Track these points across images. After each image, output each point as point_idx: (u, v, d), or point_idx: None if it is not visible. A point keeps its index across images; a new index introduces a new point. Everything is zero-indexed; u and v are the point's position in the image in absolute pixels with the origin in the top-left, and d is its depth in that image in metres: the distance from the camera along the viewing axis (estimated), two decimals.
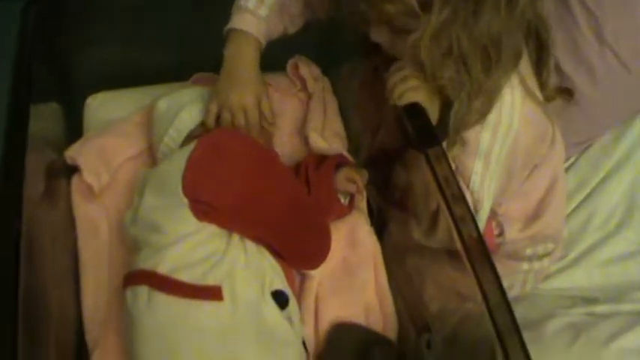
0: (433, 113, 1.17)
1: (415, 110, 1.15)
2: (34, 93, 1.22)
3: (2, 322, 0.92)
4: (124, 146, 1.38)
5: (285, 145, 1.41)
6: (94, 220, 1.31)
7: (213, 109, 1.22)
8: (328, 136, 1.40)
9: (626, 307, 1.39)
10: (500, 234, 1.32)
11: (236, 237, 1.12)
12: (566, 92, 1.35)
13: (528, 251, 1.36)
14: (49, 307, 1.13)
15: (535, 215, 1.34)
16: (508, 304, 0.96)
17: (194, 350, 1.04)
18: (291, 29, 1.32)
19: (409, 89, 1.16)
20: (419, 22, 1.06)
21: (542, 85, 1.26)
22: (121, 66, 1.53)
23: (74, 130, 1.48)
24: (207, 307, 1.06)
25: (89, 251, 1.29)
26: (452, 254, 1.05)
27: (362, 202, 1.35)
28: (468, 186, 1.22)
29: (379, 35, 1.17)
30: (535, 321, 1.34)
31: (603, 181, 1.54)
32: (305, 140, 1.40)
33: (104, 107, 1.51)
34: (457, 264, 1.04)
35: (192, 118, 1.26)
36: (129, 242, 1.19)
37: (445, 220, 1.06)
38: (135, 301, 1.08)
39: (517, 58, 1.16)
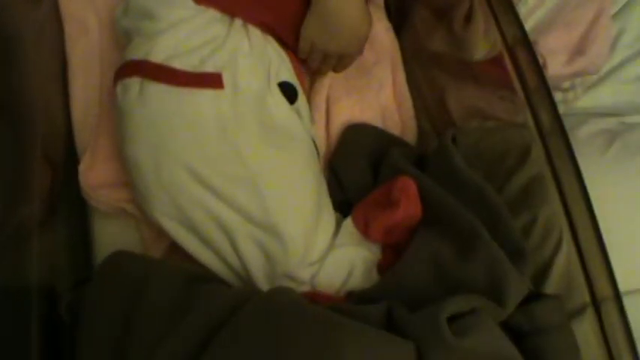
0: None
1: None
2: None
3: None
4: None
5: None
6: (83, 19, 1.19)
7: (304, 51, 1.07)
8: None
9: None
10: (543, 67, 1.21)
11: (238, 22, 1.00)
12: None
13: (566, 84, 1.29)
14: (33, 110, 1.04)
15: (579, 50, 1.25)
16: (553, 102, 0.90)
17: (190, 142, 0.94)
18: None
19: None
20: None
21: None
22: None
23: None
24: (205, 95, 0.94)
25: (78, 52, 1.18)
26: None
27: None
28: None
29: None
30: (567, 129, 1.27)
31: None
32: None
33: None
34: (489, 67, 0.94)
35: None
36: (121, 39, 1.08)
37: (479, 12, 0.94)
38: (125, 95, 0.98)
39: None
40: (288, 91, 1.01)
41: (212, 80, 0.95)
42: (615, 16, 1.40)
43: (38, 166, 1.02)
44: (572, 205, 0.87)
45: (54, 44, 1.19)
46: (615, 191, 1.12)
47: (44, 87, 1.11)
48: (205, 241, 0.96)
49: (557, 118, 0.92)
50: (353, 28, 1.05)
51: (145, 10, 1.00)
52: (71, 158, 1.13)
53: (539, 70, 0.92)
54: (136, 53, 0.98)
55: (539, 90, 0.92)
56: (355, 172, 1.07)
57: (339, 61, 1.09)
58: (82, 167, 1.08)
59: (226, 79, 0.95)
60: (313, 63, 1.09)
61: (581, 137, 1.23)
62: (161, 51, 0.96)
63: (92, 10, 1.20)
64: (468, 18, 1.01)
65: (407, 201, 0.93)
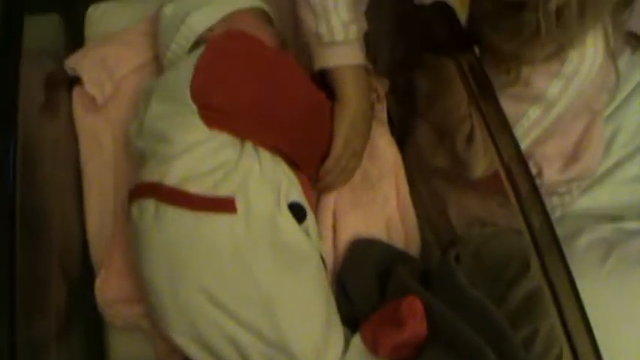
0: (462, 13, 1.08)
1: (443, 10, 1.06)
2: (30, 1, 1.15)
3: None
4: (129, 56, 1.30)
5: (299, 51, 1.32)
6: (98, 134, 1.25)
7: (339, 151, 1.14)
8: None
9: None
10: (538, 175, 1.25)
11: (249, 145, 1.05)
12: (636, 39, 1.24)
13: (562, 189, 1.31)
14: (51, 224, 1.08)
15: (574, 157, 1.28)
16: (548, 219, 0.93)
17: (206, 267, 0.97)
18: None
19: None
20: None
21: (616, 28, 1.14)
22: None
23: (75, 43, 1.39)
24: (219, 220, 0.99)
25: (93, 166, 1.23)
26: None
27: (382, 112, 1.28)
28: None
29: None
30: (563, 239, 1.28)
31: (630, 95, 1.47)
32: None
33: (107, 18, 1.42)
34: (486, 184, 0.98)
35: (200, 23, 1.17)
36: (134, 155, 1.13)
37: (479, 134, 0.99)
38: (141, 216, 1.02)
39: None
40: (297, 212, 1.05)
41: (226, 205, 0.99)
42: (609, 116, 1.44)
43: (55, 279, 1.05)
44: (569, 319, 0.89)
45: (69, 158, 1.24)
46: (612, 305, 1.13)
47: (60, 201, 1.15)
48: (219, 359, 0.99)
49: (553, 234, 0.94)
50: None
51: (159, 133, 1.05)
52: (86, 271, 1.17)
53: (535, 189, 0.95)
54: (151, 176, 1.03)
55: (535, 208, 0.95)
56: (362, 286, 1.10)
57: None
58: (98, 282, 1.11)
59: (239, 203, 0.99)
60: (342, 163, 1.14)
61: (579, 248, 1.25)
62: (176, 174, 1.01)
63: (106, 126, 1.25)
64: (469, 139, 1.05)
65: (414, 321, 0.97)
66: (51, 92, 1.22)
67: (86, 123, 1.25)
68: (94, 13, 1.43)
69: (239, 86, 1.04)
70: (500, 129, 0.99)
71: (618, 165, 1.42)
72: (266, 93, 1.06)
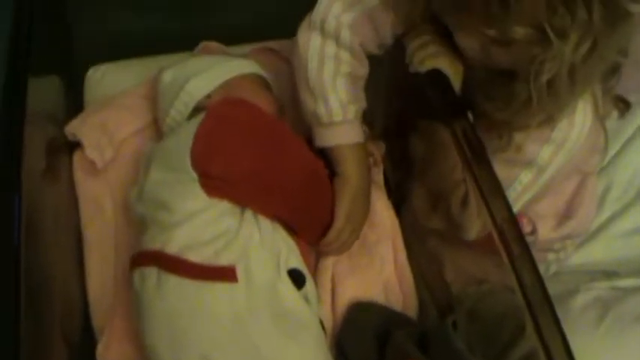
0: (456, 81, 1.10)
1: (437, 78, 1.09)
2: (34, 63, 1.15)
3: (4, 305, 0.87)
4: (128, 120, 1.33)
5: (297, 118, 1.34)
6: (98, 198, 1.26)
7: (341, 225, 1.16)
8: None
9: None
10: (532, 232, 1.27)
11: (249, 213, 1.07)
12: (624, 103, 1.24)
13: (557, 245, 1.33)
14: (52, 289, 1.08)
15: (567, 214, 1.30)
16: (541, 281, 0.93)
17: (207, 335, 0.98)
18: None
19: (430, 55, 1.09)
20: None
21: (605, 93, 1.16)
22: (125, 35, 1.47)
23: (75, 104, 1.42)
24: (220, 288, 1.00)
25: (94, 230, 1.24)
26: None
27: (379, 176, 1.30)
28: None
29: (469, 41, 1.02)
30: (559, 297, 1.30)
31: (622, 149, 1.50)
32: None
33: (106, 80, 1.45)
34: (481, 245, 1.00)
35: (199, 89, 1.19)
36: (135, 220, 1.14)
37: (473, 197, 1.00)
38: (143, 284, 1.03)
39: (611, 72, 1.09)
40: (296, 278, 1.06)
41: (227, 274, 1.00)
42: (601, 172, 1.45)
43: (56, 344, 1.06)
44: None
45: (70, 222, 1.25)
46: None
47: (61, 264, 1.16)
48: None
49: (545, 293, 0.95)
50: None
51: (159, 200, 1.06)
52: (87, 336, 1.17)
53: (526, 249, 0.96)
54: (153, 244, 1.04)
55: (527, 267, 0.95)
56: (361, 349, 1.11)
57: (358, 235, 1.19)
58: (100, 348, 1.12)
59: (240, 272, 1.01)
60: (342, 237, 1.16)
61: (575, 309, 1.25)
62: (177, 243, 1.02)
63: (107, 190, 1.26)
64: (464, 202, 1.07)
65: None
66: (52, 156, 1.23)
67: (87, 187, 1.27)
68: (94, 75, 1.46)
69: (239, 155, 1.06)
70: (493, 193, 1.00)
71: (611, 220, 1.44)
72: (265, 162, 1.08)
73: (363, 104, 1.17)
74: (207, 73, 1.21)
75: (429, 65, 1.09)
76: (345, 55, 1.12)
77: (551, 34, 0.89)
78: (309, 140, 1.17)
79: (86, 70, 1.47)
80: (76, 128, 1.28)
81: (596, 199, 1.38)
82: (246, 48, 1.47)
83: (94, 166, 1.26)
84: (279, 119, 1.21)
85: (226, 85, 1.20)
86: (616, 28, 0.92)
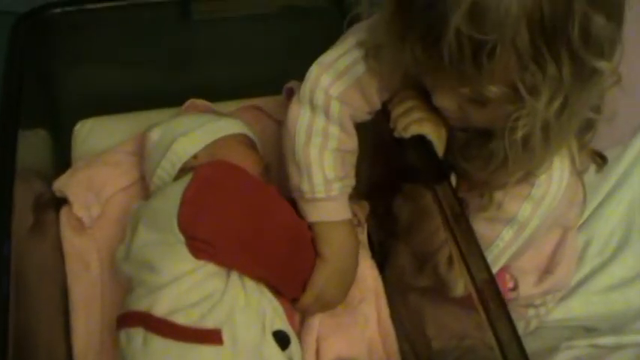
0: (439, 146, 1.12)
1: (421, 143, 1.11)
2: (23, 118, 1.18)
3: None
4: (115, 177, 1.34)
5: (282, 175, 1.36)
6: (85, 255, 1.27)
7: (307, 303, 1.16)
8: None
9: (630, 338, 1.35)
10: (515, 288, 1.29)
11: (235, 275, 1.08)
12: (601, 158, 1.25)
13: (538, 301, 1.35)
14: (37, 346, 1.09)
15: (548, 270, 1.32)
16: (518, 339, 0.94)
17: None
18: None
19: (414, 121, 1.12)
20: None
21: (581, 148, 1.17)
22: (112, 90, 1.49)
23: (63, 158, 1.44)
24: (206, 351, 1.01)
25: (80, 287, 1.25)
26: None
27: (363, 235, 1.31)
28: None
29: (446, 101, 1.04)
30: (539, 354, 1.31)
31: (600, 205, 1.52)
32: None
33: (93, 134, 1.47)
34: (463, 302, 1.01)
35: (185, 150, 1.21)
36: (121, 279, 1.15)
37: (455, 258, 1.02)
38: (129, 344, 1.04)
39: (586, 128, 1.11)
40: (281, 339, 1.07)
41: (212, 337, 1.01)
42: (581, 227, 1.47)
43: None
44: None
45: (56, 279, 1.26)
46: None
47: (46, 322, 1.16)
48: None
49: (524, 356, 0.96)
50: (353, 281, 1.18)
51: (146, 262, 1.07)
52: None
53: (504, 307, 0.97)
54: (139, 305, 1.05)
55: (504, 323, 0.97)
56: None
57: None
58: None
59: (225, 334, 1.02)
60: (312, 310, 1.18)
61: None
62: (164, 305, 1.03)
63: (93, 247, 1.27)
64: (450, 261, 1.08)
65: None
66: (39, 212, 1.24)
67: (73, 244, 1.28)
68: (81, 129, 1.47)
69: (224, 218, 1.08)
70: (473, 254, 1.02)
71: (591, 275, 1.45)
72: (250, 225, 1.09)
73: (352, 181, 1.17)
74: (194, 133, 1.23)
75: (412, 131, 1.11)
76: (333, 130, 1.13)
77: (524, 91, 0.91)
78: (293, 203, 1.19)
79: (74, 124, 1.48)
80: (63, 185, 1.30)
81: (576, 255, 1.40)
82: (233, 105, 1.49)
83: (81, 224, 1.27)
84: (265, 180, 1.23)
85: (213, 144, 1.22)
86: (586, 85, 0.94)
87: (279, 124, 1.41)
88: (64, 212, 1.30)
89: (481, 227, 1.11)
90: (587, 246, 1.48)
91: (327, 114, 1.13)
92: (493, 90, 0.93)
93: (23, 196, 1.13)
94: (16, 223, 1.04)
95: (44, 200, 1.29)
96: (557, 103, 0.92)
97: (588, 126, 1.11)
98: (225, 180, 1.12)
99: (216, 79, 1.49)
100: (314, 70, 1.13)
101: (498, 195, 1.13)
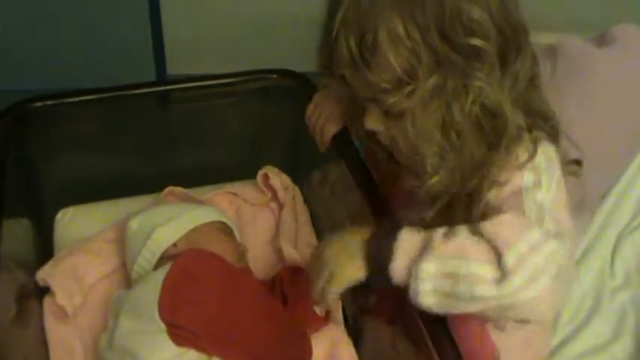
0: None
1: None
2: (6, 208, 1.22)
3: None
4: (97, 264, 1.37)
5: (259, 257, 1.42)
6: (68, 343, 1.29)
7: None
8: (301, 247, 1.41)
9: None
10: None
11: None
12: (577, 164, 1.17)
13: None
14: None
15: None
16: None
17: None
18: None
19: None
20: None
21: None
22: (92, 178, 1.54)
23: (45, 247, 1.47)
24: None
25: None
26: None
27: (338, 312, 1.34)
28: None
29: (374, 121, 1.05)
30: None
31: None
32: (278, 251, 1.41)
33: (75, 222, 1.50)
34: None
35: (164, 239, 1.25)
36: None
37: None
38: None
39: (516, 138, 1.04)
40: None
41: None
42: None
43: None
44: None
45: None
46: None
47: None
48: None
49: None
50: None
51: (128, 351, 1.11)
52: None
53: None
54: None
55: None
56: None
57: None
58: None
59: None
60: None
61: None
62: None
63: (76, 334, 1.29)
64: None
65: None
66: (22, 302, 1.26)
67: (57, 332, 1.30)
68: (62, 218, 1.51)
69: (202, 306, 1.11)
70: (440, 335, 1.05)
71: (563, 344, 1.43)
72: (228, 311, 1.13)
73: None
74: (172, 223, 1.27)
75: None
76: None
77: (405, 78, 0.94)
78: (271, 284, 1.23)
79: (55, 213, 1.52)
80: (46, 274, 1.32)
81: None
82: (209, 190, 1.53)
83: (63, 312, 1.29)
84: (242, 264, 1.27)
85: (191, 232, 1.26)
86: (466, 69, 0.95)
87: (254, 207, 1.47)
88: (47, 301, 1.32)
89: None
90: (558, 315, 1.45)
91: None
92: (384, 82, 0.96)
93: (6, 286, 1.16)
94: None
95: (27, 290, 1.31)
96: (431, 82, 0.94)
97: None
98: (202, 269, 1.16)
99: (191, 165, 1.54)
100: None
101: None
